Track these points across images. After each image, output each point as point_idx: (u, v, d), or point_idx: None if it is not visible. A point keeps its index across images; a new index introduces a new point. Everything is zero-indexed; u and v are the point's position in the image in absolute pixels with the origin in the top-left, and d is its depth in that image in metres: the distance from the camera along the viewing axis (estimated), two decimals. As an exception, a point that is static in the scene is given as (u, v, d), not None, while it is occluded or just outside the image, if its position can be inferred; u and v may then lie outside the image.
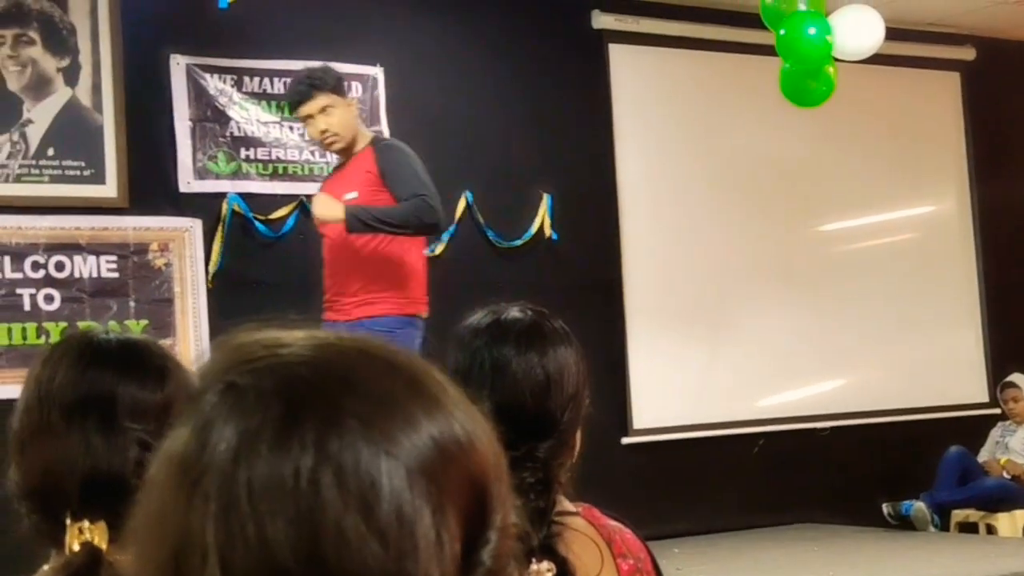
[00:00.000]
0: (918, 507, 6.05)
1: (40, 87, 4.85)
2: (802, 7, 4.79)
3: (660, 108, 6.21)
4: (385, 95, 5.49)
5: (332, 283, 4.15)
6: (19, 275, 4.73)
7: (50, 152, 4.83)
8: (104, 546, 1.20)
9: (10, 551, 1.19)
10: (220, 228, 5.08)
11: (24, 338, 4.71)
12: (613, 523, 1.56)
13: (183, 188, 5.06)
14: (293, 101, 4.26)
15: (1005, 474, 6.26)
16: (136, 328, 4.77)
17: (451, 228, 5.58)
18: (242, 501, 0.56)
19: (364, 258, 4.04)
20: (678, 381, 6.07)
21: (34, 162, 4.80)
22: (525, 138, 5.81)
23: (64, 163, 4.84)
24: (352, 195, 4.05)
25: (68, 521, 1.21)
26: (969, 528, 6.14)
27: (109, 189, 4.90)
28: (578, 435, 1.55)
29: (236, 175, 5.16)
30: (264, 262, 5.14)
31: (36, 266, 4.76)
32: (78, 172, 4.86)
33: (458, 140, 5.62)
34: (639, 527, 1.59)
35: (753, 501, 6.09)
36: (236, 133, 5.18)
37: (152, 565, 0.58)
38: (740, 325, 6.23)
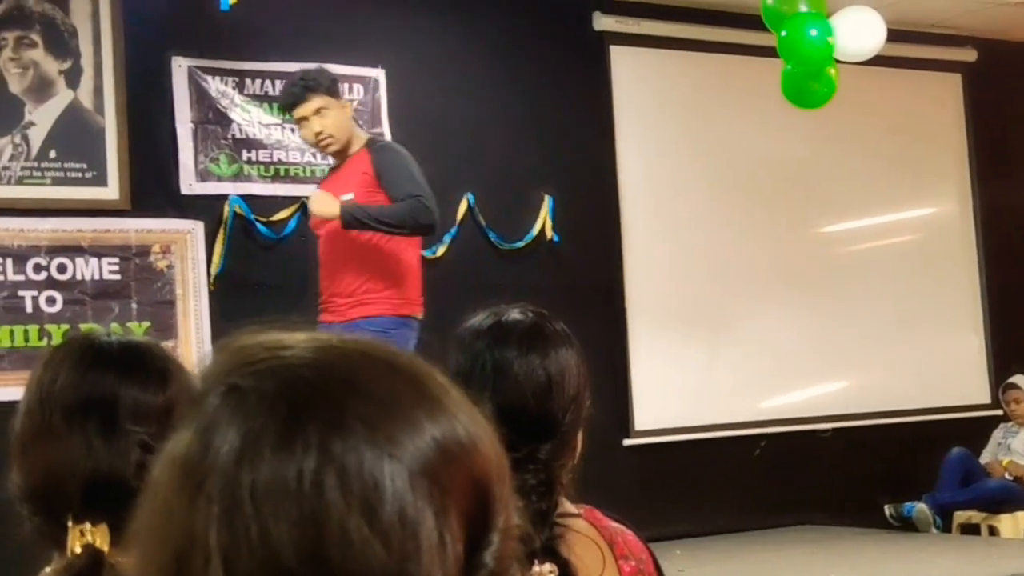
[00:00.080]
0: (920, 508, 6.05)
1: (42, 89, 4.85)
2: (803, 9, 4.79)
3: (661, 110, 6.21)
4: (387, 97, 5.49)
5: (327, 284, 4.15)
6: (21, 277, 4.74)
7: (52, 154, 4.83)
8: (106, 548, 1.20)
9: (12, 554, 1.19)
10: (222, 230, 5.09)
11: (26, 340, 4.71)
12: (615, 525, 1.56)
13: (185, 190, 5.07)
14: (287, 103, 4.25)
15: (1007, 475, 6.26)
16: (138, 330, 4.77)
17: (453, 230, 5.59)
18: (245, 503, 0.56)
19: (359, 259, 4.04)
20: (679, 383, 6.07)
21: (36, 164, 4.81)
22: (526, 140, 5.82)
23: (66, 165, 4.85)
24: (348, 197, 4.05)
25: (70, 523, 1.21)
26: (971, 530, 6.14)
27: (111, 191, 4.90)
28: (579, 436, 1.55)
29: (238, 177, 5.17)
30: (266, 264, 5.14)
31: (38, 268, 4.77)
32: (80, 174, 4.87)
33: (459, 142, 5.62)
34: (640, 528, 1.59)
35: (754, 502, 6.09)
36: (238, 135, 5.18)
37: (155, 567, 0.58)
38: (741, 327, 6.23)
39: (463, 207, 5.62)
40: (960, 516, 6.16)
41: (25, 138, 4.81)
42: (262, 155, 5.22)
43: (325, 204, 3.99)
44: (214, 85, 5.14)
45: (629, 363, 5.95)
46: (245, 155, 5.19)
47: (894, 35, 5.20)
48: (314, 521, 0.55)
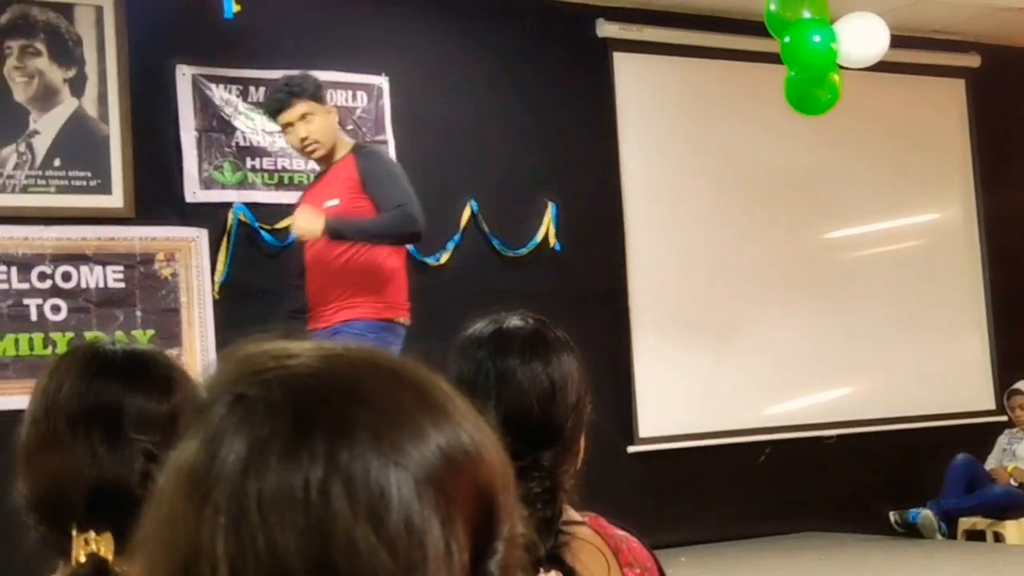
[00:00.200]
0: (925, 515, 6.04)
1: (46, 98, 4.86)
2: (807, 15, 4.79)
3: (665, 116, 6.22)
4: (390, 104, 5.50)
5: (312, 291, 4.14)
6: (26, 285, 4.75)
7: (56, 162, 4.84)
8: (110, 557, 1.20)
9: (19, 563, 1.19)
10: (226, 238, 5.09)
11: (31, 348, 4.72)
12: (620, 532, 1.55)
13: (189, 198, 5.08)
14: (272, 109, 4.23)
15: (1012, 481, 6.24)
16: (142, 338, 4.77)
17: (456, 237, 5.59)
18: (252, 513, 0.56)
19: (341, 265, 4.03)
20: (683, 389, 6.06)
21: (40, 172, 4.82)
22: (530, 147, 5.82)
23: (70, 173, 4.86)
24: (333, 202, 4.04)
25: (74, 532, 1.21)
26: (976, 536, 6.12)
27: (115, 199, 4.91)
28: (582, 441, 1.55)
29: (242, 185, 5.17)
30: (270, 271, 5.14)
31: (43, 276, 4.77)
32: (84, 182, 4.88)
33: (463, 149, 5.63)
34: (645, 536, 1.59)
35: (759, 509, 6.08)
36: (242, 143, 5.19)
37: (161, 576, 0.58)
38: (745, 333, 6.23)
39: (466, 214, 5.62)
40: (965, 522, 6.15)
41: (30, 146, 4.82)
42: (266, 163, 5.23)
43: (308, 222, 3.96)
44: (218, 93, 5.15)
45: (633, 370, 5.95)
46: (249, 163, 5.19)
47: (898, 41, 5.20)
48: (321, 530, 0.55)
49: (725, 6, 6.10)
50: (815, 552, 5.59)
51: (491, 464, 0.63)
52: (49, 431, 1.26)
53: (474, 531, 0.60)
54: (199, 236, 5.05)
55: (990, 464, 6.42)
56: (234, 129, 5.17)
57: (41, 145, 4.83)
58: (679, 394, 6.05)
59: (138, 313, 4.90)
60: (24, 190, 4.78)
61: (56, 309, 4.77)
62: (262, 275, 5.11)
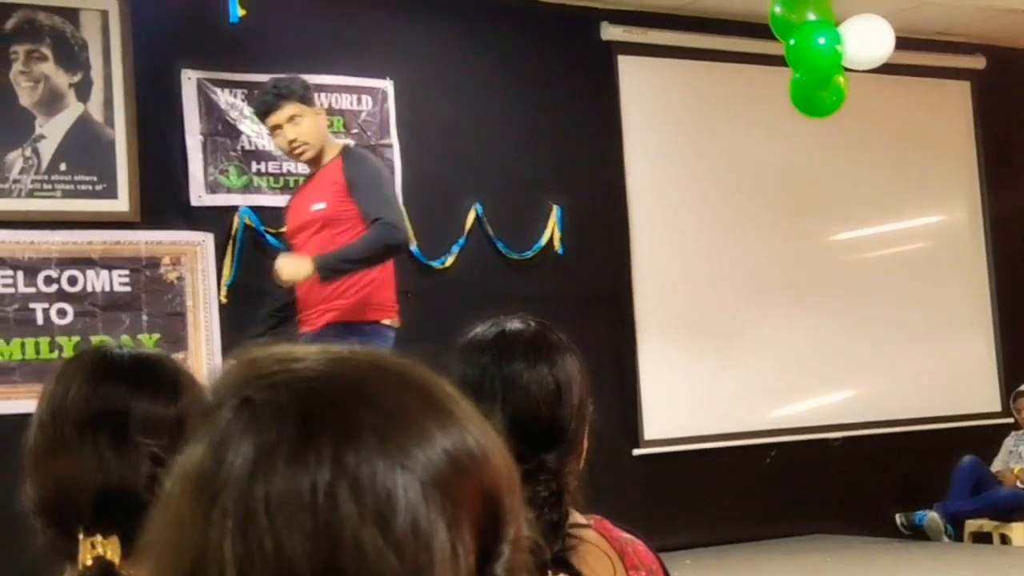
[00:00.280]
0: (931, 517, 6.03)
1: (52, 102, 4.87)
2: (812, 17, 4.78)
3: (669, 119, 6.22)
4: (395, 108, 5.51)
5: (301, 295, 4.14)
6: (32, 290, 4.75)
7: (62, 167, 4.85)
8: (117, 560, 1.20)
9: (25, 566, 1.19)
10: (232, 242, 5.10)
11: (37, 352, 4.73)
12: (625, 535, 1.55)
13: (195, 202, 5.08)
14: (260, 111, 4.22)
15: (1019, 483, 6.24)
16: (148, 342, 4.78)
17: (461, 240, 5.60)
18: (260, 516, 0.56)
19: None
20: (688, 392, 6.06)
21: (46, 177, 4.83)
22: (534, 150, 5.82)
23: (76, 178, 4.87)
24: (320, 206, 4.04)
25: (81, 536, 1.22)
26: (983, 538, 6.11)
27: (121, 203, 4.92)
28: (584, 442, 1.55)
29: (247, 189, 5.18)
30: (275, 275, 5.14)
31: (49, 280, 4.78)
32: (90, 187, 4.89)
33: (467, 152, 5.63)
34: (650, 538, 1.59)
35: (765, 512, 6.07)
36: (247, 147, 5.20)
37: (169, 580, 0.58)
38: (750, 335, 6.22)
39: (471, 217, 5.63)
40: (972, 525, 6.14)
41: (36, 151, 4.83)
42: (271, 166, 5.24)
43: (296, 269, 3.93)
44: (223, 97, 5.16)
45: (638, 373, 5.95)
46: (254, 167, 5.20)
47: (902, 43, 5.20)
48: (328, 533, 0.56)
49: (729, 9, 6.10)
50: (821, 555, 5.59)
51: (497, 467, 0.63)
52: (56, 435, 1.26)
53: (480, 534, 0.60)
54: (205, 240, 5.05)
55: (996, 466, 6.41)
56: (239, 133, 5.18)
57: (47, 150, 4.84)
58: (684, 396, 6.04)
59: (144, 317, 4.91)
60: (30, 194, 4.79)
61: (62, 313, 4.78)
62: (267, 279, 5.11)
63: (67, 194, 4.85)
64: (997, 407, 6.81)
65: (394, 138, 5.48)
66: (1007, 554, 5.78)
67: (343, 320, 3.98)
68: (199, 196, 5.09)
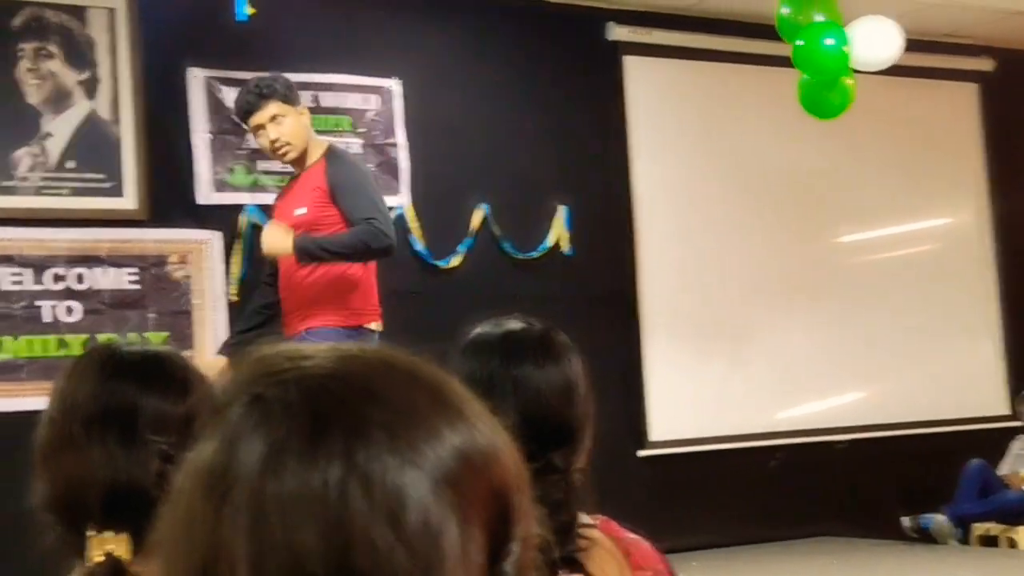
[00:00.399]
0: (938, 520, 6.02)
1: (60, 100, 4.88)
2: (819, 18, 4.78)
3: (676, 120, 6.21)
4: (402, 107, 5.51)
5: (283, 297, 4.12)
6: (40, 287, 4.76)
7: (70, 165, 4.86)
8: (126, 557, 1.21)
9: (35, 563, 1.20)
10: (239, 240, 5.11)
11: (45, 350, 4.74)
12: (630, 535, 1.56)
13: (201, 200, 5.09)
14: (242, 112, 4.17)
15: (1026, 487, 6.22)
16: (155, 340, 4.79)
17: (468, 240, 5.60)
18: (272, 513, 0.56)
19: (306, 273, 3.98)
20: (694, 393, 6.05)
21: (54, 175, 4.84)
22: (541, 150, 5.82)
23: (84, 176, 4.88)
24: (301, 211, 4.00)
25: (90, 533, 1.22)
26: (990, 542, 6.10)
27: (128, 202, 4.93)
28: (587, 440, 1.55)
29: (254, 187, 5.19)
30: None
31: (57, 278, 4.79)
32: (98, 185, 4.90)
33: (474, 152, 5.63)
34: (656, 540, 1.59)
35: (771, 514, 6.07)
36: (254, 145, 5.19)
37: (180, 577, 0.58)
38: (757, 337, 6.22)
39: (478, 217, 5.63)
40: (979, 528, 6.12)
41: (43, 149, 4.84)
42: (278, 165, 5.23)
43: (276, 241, 3.91)
44: (230, 96, 5.16)
45: (643, 373, 5.94)
46: (261, 165, 5.20)
47: (910, 44, 5.18)
48: (340, 529, 0.56)
49: (736, 9, 6.09)
50: (827, 557, 5.58)
51: (506, 465, 0.63)
52: (65, 432, 1.27)
53: (490, 532, 0.61)
54: (212, 238, 5.06)
55: (1003, 470, 6.40)
56: (246, 131, 5.18)
57: (55, 147, 4.85)
58: (689, 398, 6.04)
59: (151, 315, 4.91)
60: (38, 192, 4.80)
61: (70, 311, 4.79)
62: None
63: (75, 192, 4.86)
64: (1004, 410, 6.80)
65: (400, 138, 5.49)
66: (1014, 558, 5.77)
67: (324, 326, 3.94)
68: (206, 195, 5.10)
